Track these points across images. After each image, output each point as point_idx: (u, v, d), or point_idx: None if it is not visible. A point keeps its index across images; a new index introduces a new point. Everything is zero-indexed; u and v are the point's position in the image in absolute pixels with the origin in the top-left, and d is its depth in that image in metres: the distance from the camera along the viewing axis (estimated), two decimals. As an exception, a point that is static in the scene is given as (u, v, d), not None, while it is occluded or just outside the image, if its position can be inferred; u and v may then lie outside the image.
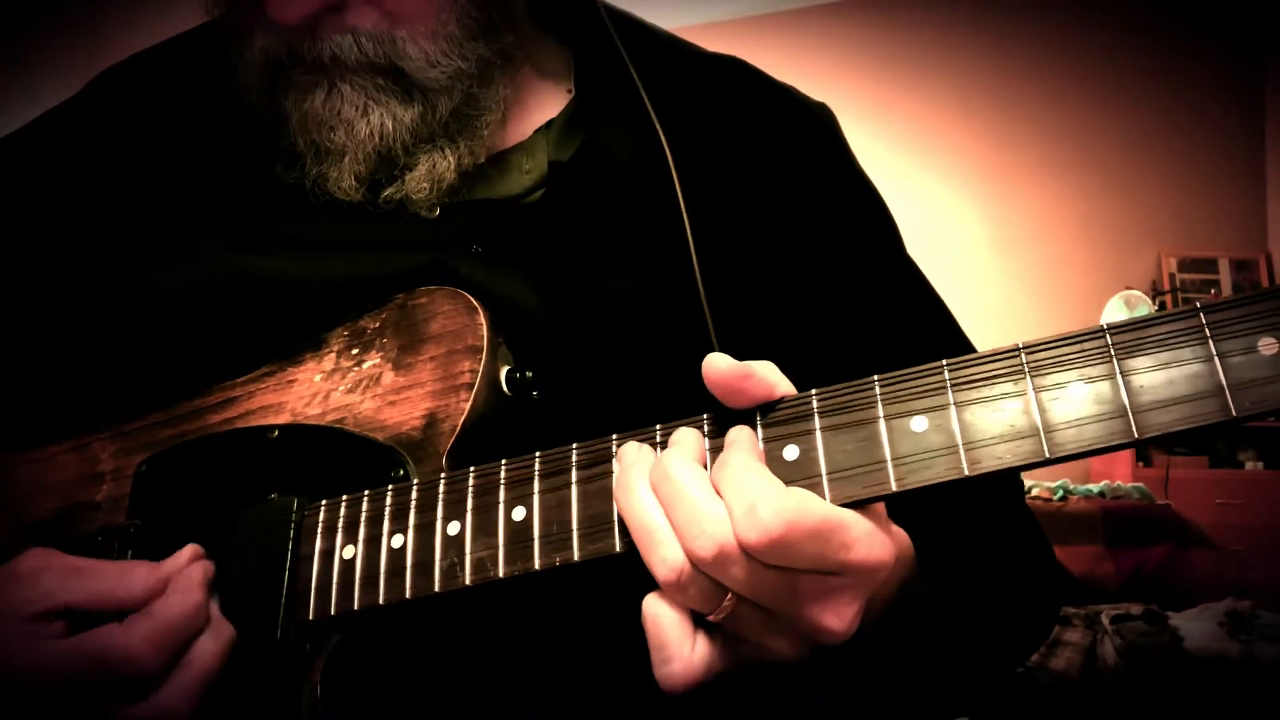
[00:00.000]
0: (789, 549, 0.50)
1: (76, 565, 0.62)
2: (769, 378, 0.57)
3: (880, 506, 0.55)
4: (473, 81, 0.76)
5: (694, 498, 0.52)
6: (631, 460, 0.56)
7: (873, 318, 0.83)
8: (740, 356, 0.57)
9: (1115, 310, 4.49)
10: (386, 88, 0.74)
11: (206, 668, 0.60)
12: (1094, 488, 3.06)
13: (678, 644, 0.53)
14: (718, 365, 0.56)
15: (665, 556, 0.52)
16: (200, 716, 0.60)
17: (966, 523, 0.73)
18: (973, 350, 0.83)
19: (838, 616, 0.52)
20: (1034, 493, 3.01)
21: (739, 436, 0.55)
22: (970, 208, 5.00)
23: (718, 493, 0.53)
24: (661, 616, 0.53)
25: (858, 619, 0.53)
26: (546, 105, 0.84)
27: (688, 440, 0.56)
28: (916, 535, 0.62)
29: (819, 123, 0.90)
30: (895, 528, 0.60)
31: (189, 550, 0.64)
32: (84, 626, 0.59)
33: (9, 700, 0.58)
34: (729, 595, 0.52)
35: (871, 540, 0.52)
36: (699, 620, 0.54)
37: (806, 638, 0.53)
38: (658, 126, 0.79)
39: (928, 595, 0.65)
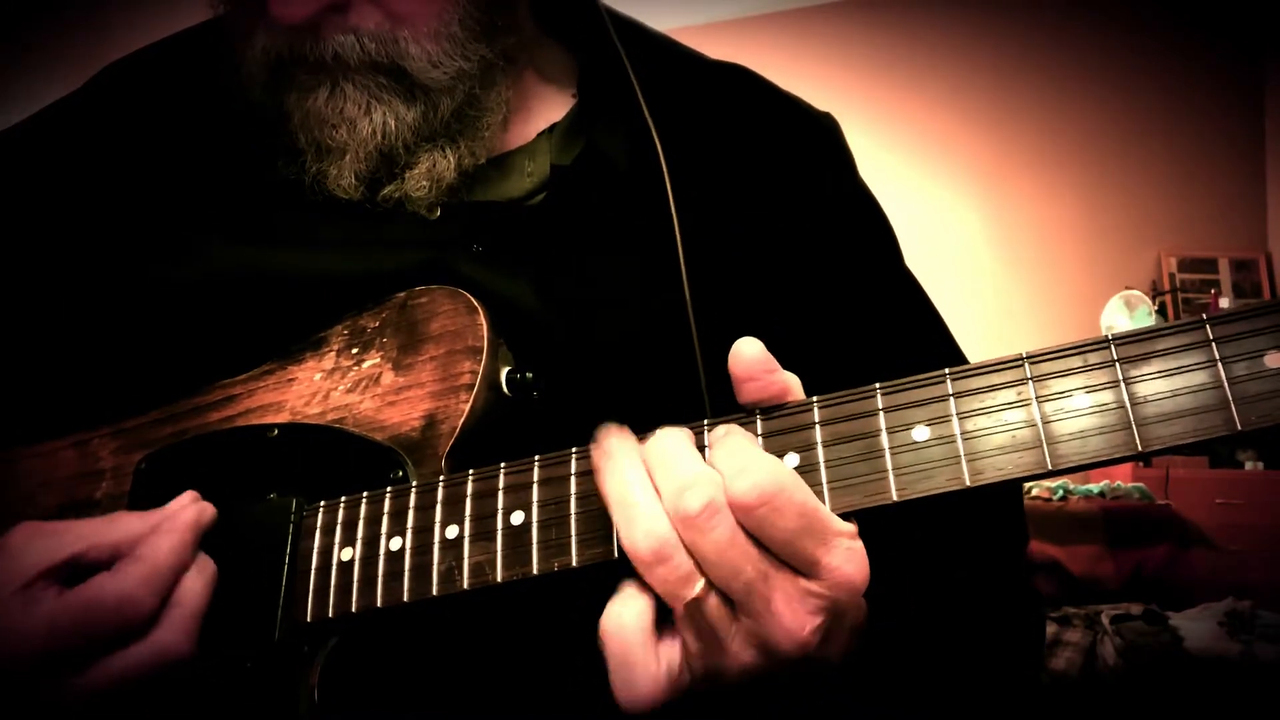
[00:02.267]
0: (775, 515, 0.50)
1: (63, 526, 0.62)
2: (788, 376, 0.56)
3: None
4: (475, 82, 0.76)
5: (688, 458, 0.52)
6: (617, 442, 0.55)
7: (866, 326, 0.83)
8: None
9: (1115, 310, 4.48)
10: (389, 87, 0.74)
11: (196, 604, 0.61)
12: (1094, 488, 3.06)
13: (643, 656, 0.52)
14: (748, 351, 0.55)
15: (648, 528, 0.51)
16: (199, 715, 0.60)
17: (919, 563, 0.73)
18: (965, 362, 0.83)
19: (799, 622, 0.51)
20: (1034, 493, 3.01)
21: (730, 427, 0.55)
22: (970, 208, 5.00)
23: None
24: (625, 627, 0.52)
25: (817, 636, 0.52)
26: (549, 109, 0.84)
27: (676, 429, 0.56)
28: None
29: (821, 131, 0.90)
30: None
31: (185, 496, 0.65)
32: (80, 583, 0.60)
33: (11, 669, 0.58)
34: (701, 581, 0.52)
35: (851, 553, 0.52)
36: (659, 632, 0.53)
37: (764, 645, 0.52)
38: (654, 133, 0.79)
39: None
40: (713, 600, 0.52)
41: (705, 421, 0.58)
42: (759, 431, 0.56)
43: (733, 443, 0.53)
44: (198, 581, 0.61)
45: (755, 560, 0.51)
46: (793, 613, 0.51)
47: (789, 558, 0.51)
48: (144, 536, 0.61)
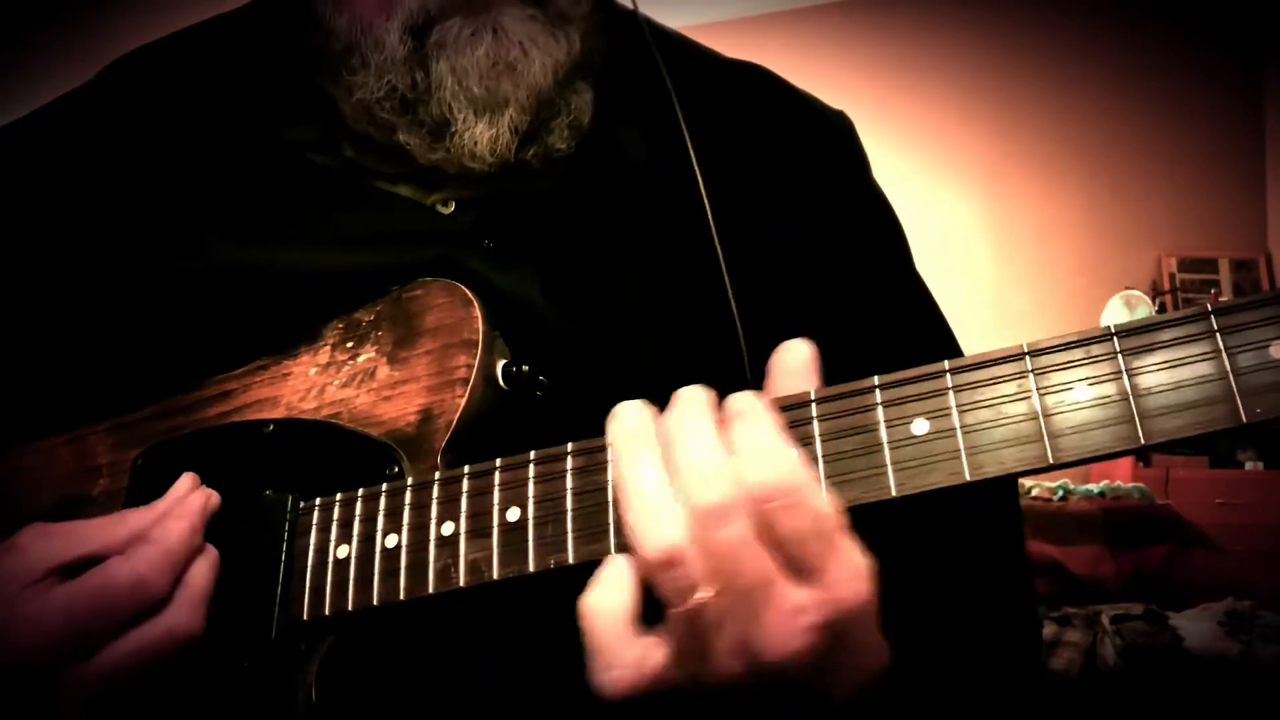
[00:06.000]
0: (790, 511, 0.49)
1: (72, 526, 0.62)
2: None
3: None
4: (592, 5, 0.76)
5: (709, 444, 0.51)
6: (635, 427, 0.55)
7: (874, 329, 0.82)
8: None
9: (1115, 310, 4.48)
10: (538, 20, 0.72)
11: (205, 587, 0.61)
12: (1094, 488, 3.05)
13: (620, 646, 0.51)
14: (800, 353, 0.56)
15: (663, 533, 0.50)
16: (197, 715, 0.60)
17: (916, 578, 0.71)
18: None
19: (790, 632, 0.49)
20: (1034, 493, 3.00)
21: (754, 403, 0.53)
22: (970, 208, 5.00)
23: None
24: (603, 614, 0.52)
25: (807, 651, 0.50)
26: None
27: (696, 396, 0.54)
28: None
29: (835, 131, 0.89)
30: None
31: (187, 479, 0.66)
32: None
33: (27, 660, 0.57)
34: (707, 587, 0.50)
35: (858, 572, 0.50)
36: (647, 623, 0.52)
37: (750, 653, 0.50)
38: (684, 131, 0.78)
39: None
40: (712, 604, 0.50)
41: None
42: None
43: (756, 423, 0.52)
44: (205, 566, 0.62)
45: (759, 562, 0.49)
46: (784, 623, 0.50)
47: (794, 560, 0.50)
48: (154, 523, 0.62)
